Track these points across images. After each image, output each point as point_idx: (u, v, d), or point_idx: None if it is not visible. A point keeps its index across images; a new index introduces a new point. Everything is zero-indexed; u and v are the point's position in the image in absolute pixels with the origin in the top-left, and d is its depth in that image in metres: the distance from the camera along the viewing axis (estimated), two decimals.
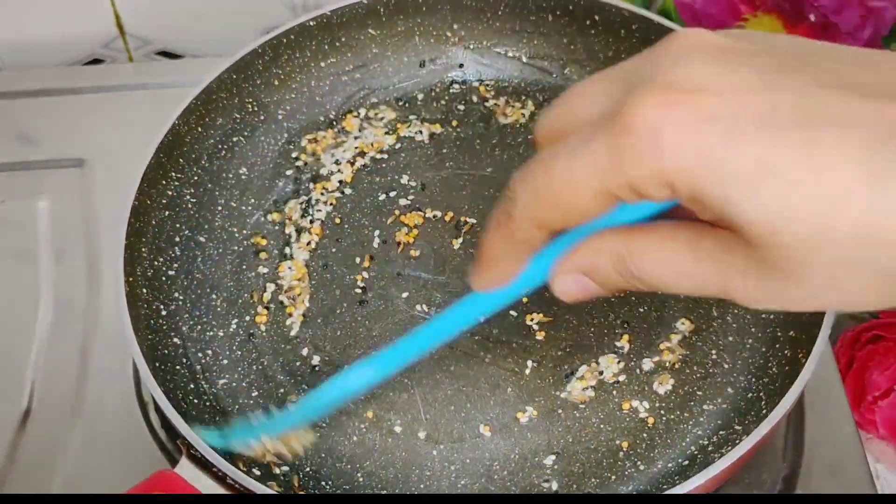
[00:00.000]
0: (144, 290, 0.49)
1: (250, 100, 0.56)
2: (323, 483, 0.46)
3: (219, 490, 0.42)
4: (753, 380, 0.48)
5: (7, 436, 0.51)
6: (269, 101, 0.57)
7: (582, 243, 0.31)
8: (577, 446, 0.47)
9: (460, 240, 0.53)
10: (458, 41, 0.60)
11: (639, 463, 0.46)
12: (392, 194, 0.55)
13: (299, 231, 0.54)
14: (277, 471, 0.46)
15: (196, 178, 0.54)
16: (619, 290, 0.32)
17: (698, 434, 0.47)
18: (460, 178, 0.56)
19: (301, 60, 0.57)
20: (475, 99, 0.60)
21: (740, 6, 0.60)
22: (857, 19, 0.57)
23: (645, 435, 0.47)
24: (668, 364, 0.49)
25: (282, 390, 0.49)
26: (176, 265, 0.51)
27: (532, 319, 0.50)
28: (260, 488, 0.41)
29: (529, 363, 0.49)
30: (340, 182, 0.56)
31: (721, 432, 0.46)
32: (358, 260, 0.53)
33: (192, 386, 0.48)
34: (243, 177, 0.56)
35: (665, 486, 0.45)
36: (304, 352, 0.50)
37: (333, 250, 0.53)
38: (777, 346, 0.48)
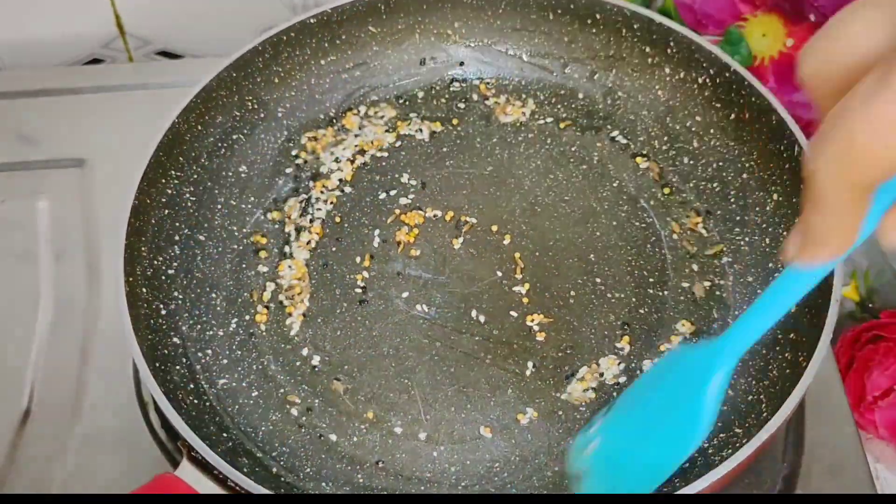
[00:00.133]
0: (144, 290, 0.48)
1: (250, 98, 0.56)
2: (323, 483, 0.46)
3: (220, 492, 0.42)
4: (754, 382, 0.47)
5: (7, 436, 0.50)
6: (269, 98, 0.57)
7: None
8: None
9: (461, 239, 0.53)
10: (459, 39, 0.60)
11: None
12: (392, 193, 0.55)
13: (299, 230, 0.54)
14: (275, 470, 0.46)
15: (196, 176, 0.54)
16: None
17: None
18: (461, 177, 0.56)
19: (301, 58, 0.57)
20: (476, 97, 0.59)
21: (740, 6, 0.60)
22: None
23: None
24: None
25: (282, 390, 0.48)
26: (176, 264, 0.51)
27: (532, 320, 0.50)
28: (259, 489, 0.41)
29: (530, 364, 0.49)
30: (340, 180, 0.56)
31: (721, 435, 0.46)
32: (358, 259, 0.53)
33: (191, 386, 0.48)
34: (243, 175, 0.56)
35: (665, 490, 0.45)
36: (304, 351, 0.50)
37: (333, 249, 0.53)
38: (778, 348, 0.48)
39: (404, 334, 0.50)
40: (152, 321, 0.48)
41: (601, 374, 0.48)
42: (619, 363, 0.49)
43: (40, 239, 0.58)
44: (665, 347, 0.49)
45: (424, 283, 0.52)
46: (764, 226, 0.51)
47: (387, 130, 0.58)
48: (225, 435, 0.46)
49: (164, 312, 0.49)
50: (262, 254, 0.53)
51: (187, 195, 0.53)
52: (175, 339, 0.49)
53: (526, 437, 0.47)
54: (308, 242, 0.53)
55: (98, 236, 0.58)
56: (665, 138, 0.56)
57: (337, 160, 0.57)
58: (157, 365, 0.46)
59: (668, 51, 0.55)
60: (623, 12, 0.55)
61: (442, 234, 0.53)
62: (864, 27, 0.26)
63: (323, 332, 0.50)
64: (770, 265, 0.50)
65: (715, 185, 0.54)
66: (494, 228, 0.53)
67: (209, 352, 0.50)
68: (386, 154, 0.57)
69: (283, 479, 0.46)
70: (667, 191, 0.54)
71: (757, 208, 0.52)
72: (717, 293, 0.51)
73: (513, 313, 0.50)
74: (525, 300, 0.51)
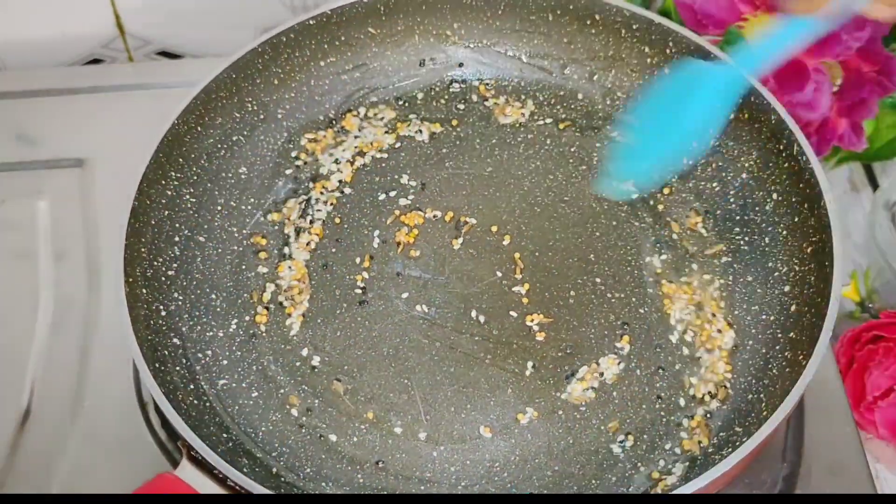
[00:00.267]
0: (144, 291, 0.48)
1: (250, 99, 0.56)
2: (323, 483, 0.46)
3: (219, 492, 0.42)
4: (754, 381, 0.48)
5: (7, 436, 0.50)
6: (269, 100, 0.57)
7: None
8: (577, 447, 0.46)
9: (460, 240, 0.53)
10: (459, 40, 0.60)
11: (639, 465, 0.46)
12: (392, 194, 0.55)
13: (299, 231, 0.54)
14: (275, 470, 0.46)
15: (195, 177, 0.54)
16: None
17: (699, 436, 0.46)
18: (460, 178, 0.56)
19: (301, 59, 0.57)
20: (475, 98, 0.59)
21: (740, 6, 0.59)
22: (856, 18, 0.57)
23: (645, 436, 0.47)
24: (668, 367, 0.49)
25: (282, 391, 0.48)
26: (175, 265, 0.51)
27: (532, 320, 0.50)
28: (259, 489, 0.41)
29: (530, 364, 0.49)
30: (340, 181, 0.56)
31: (722, 434, 0.46)
32: (358, 260, 0.53)
33: (191, 386, 0.48)
34: (243, 176, 0.56)
35: (666, 489, 0.45)
36: (304, 352, 0.50)
37: (333, 250, 0.53)
38: (777, 347, 0.48)
39: (404, 335, 0.50)
40: (152, 322, 0.48)
41: (601, 374, 0.48)
42: (619, 363, 0.49)
43: (40, 239, 0.58)
44: (665, 347, 0.49)
45: (424, 284, 0.52)
46: (763, 225, 0.52)
47: (386, 132, 0.58)
48: (225, 435, 0.47)
49: (163, 313, 0.49)
50: (262, 255, 0.53)
51: (187, 196, 0.53)
52: (175, 340, 0.49)
53: (526, 437, 0.47)
54: (308, 243, 0.53)
55: (98, 236, 0.58)
56: None
57: (336, 161, 0.57)
58: (157, 365, 0.46)
59: (668, 51, 0.55)
60: (622, 13, 0.55)
61: (442, 235, 0.53)
62: None
63: (323, 332, 0.50)
64: (770, 264, 0.50)
65: (715, 184, 0.54)
66: (494, 229, 0.53)
67: (209, 352, 0.50)
68: (385, 155, 0.57)
69: (283, 478, 0.46)
70: (666, 191, 0.54)
71: (756, 208, 0.52)
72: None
73: (512, 313, 0.50)
74: (525, 300, 0.51)
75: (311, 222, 0.54)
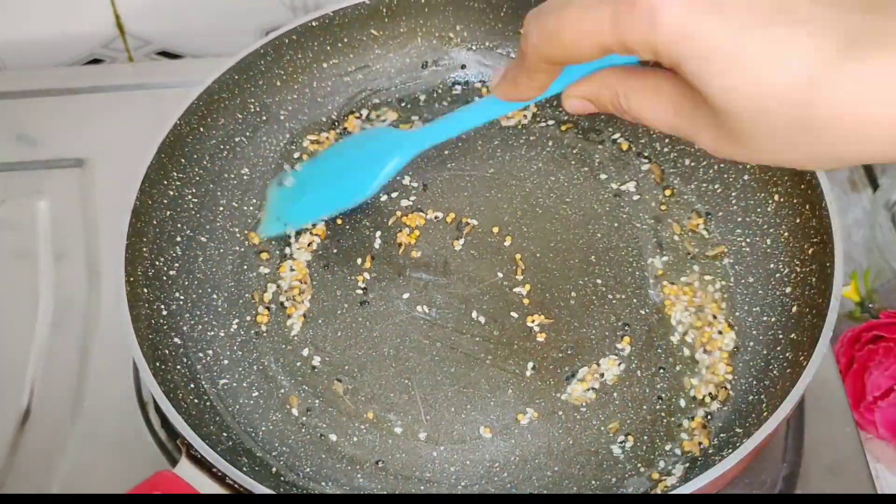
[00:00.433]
0: (145, 290, 0.50)
1: (252, 100, 0.58)
2: (323, 483, 0.48)
3: (218, 490, 0.43)
4: (754, 382, 0.49)
5: (7, 436, 0.52)
6: (271, 101, 0.59)
7: (590, 77, 0.39)
8: (577, 448, 0.48)
9: (461, 241, 0.55)
10: (461, 42, 0.62)
11: (639, 465, 0.48)
12: (394, 195, 0.57)
13: (300, 231, 0.55)
14: (275, 469, 0.47)
15: (198, 178, 0.55)
16: (611, 112, 0.39)
17: (699, 437, 0.48)
18: (462, 179, 0.57)
19: (303, 61, 0.59)
20: (477, 100, 0.61)
21: None
22: None
23: (646, 437, 0.48)
24: (668, 368, 0.50)
25: (282, 391, 0.50)
26: (177, 265, 0.53)
27: (533, 321, 0.52)
28: (258, 488, 0.42)
29: (530, 365, 0.50)
30: None
31: (722, 435, 0.48)
32: (359, 261, 0.54)
33: (192, 386, 0.49)
34: (245, 177, 0.57)
35: (665, 490, 0.46)
36: (305, 352, 0.51)
37: (335, 251, 0.55)
38: (778, 348, 0.49)
39: (405, 335, 0.52)
40: (153, 321, 0.50)
41: (602, 375, 0.50)
42: (620, 364, 0.50)
43: (40, 239, 0.60)
44: (665, 348, 0.51)
45: (425, 285, 0.53)
46: (765, 227, 0.53)
47: None
48: (225, 434, 0.48)
49: (164, 313, 0.51)
50: (264, 255, 0.55)
51: (189, 196, 0.55)
52: (176, 340, 0.51)
53: (526, 438, 0.49)
54: (309, 244, 0.55)
55: (98, 236, 0.60)
56: (666, 140, 0.58)
57: None
58: (158, 364, 0.48)
59: None
60: None
61: (443, 236, 0.55)
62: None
63: (324, 332, 0.52)
64: (771, 266, 0.52)
65: (716, 186, 0.55)
66: (495, 230, 0.55)
67: (210, 352, 0.51)
68: None
69: (283, 478, 0.48)
70: (668, 192, 0.56)
71: (758, 209, 0.54)
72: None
73: (513, 314, 0.52)
74: (526, 301, 0.52)
75: (313, 223, 0.56)
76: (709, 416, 0.49)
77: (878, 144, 0.31)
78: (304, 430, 0.49)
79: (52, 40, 0.71)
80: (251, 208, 0.57)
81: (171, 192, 0.54)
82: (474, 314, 0.52)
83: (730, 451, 0.43)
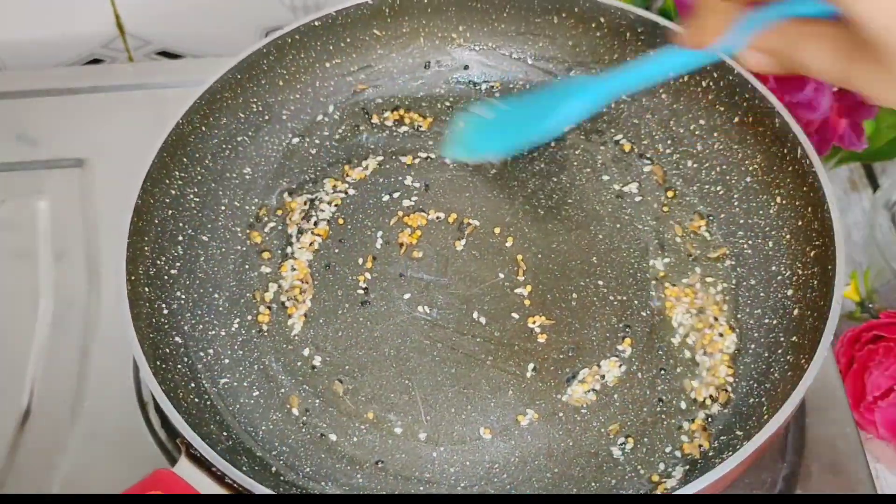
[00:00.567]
0: (146, 289, 0.52)
1: (255, 99, 0.60)
2: (322, 483, 0.49)
3: (217, 489, 0.45)
4: (755, 385, 0.51)
5: (7, 436, 0.54)
6: (274, 100, 0.61)
7: (769, 29, 0.43)
8: (577, 450, 0.50)
9: (463, 241, 0.57)
10: (464, 43, 0.64)
11: (639, 467, 0.49)
12: (395, 195, 0.59)
13: (302, 231, 0.57)
14: (275, 469, 0.49)
15: (200, 177, 0.58)
16: (789, 71, 0.44)
17: (700, 439, 0.50)
18: (464, 180, 0.60)
19: (306, 61, 0.61)
20: (480, 100, 0.63)
21: None
22: None
23: (646, 439, 0.50)
24: (669, 369, 0.52)
25: (283, 390, 0.52)
26: (178, 264, 0.55)
27: (534, 322, 0.53)
28: (257, 487, 0.44)
29: (531, 366, 0.52)
30: (344, 182, 0.60)
31: (722, 437, 0.50)
32: (360, 261, 0.56)
33: (192, 385, 0.51)
34: (247, 176, 0.59)
35: (665, 492, 0.48)
36: (306, 352, 0.53)
37: (336, 251, 0.57)
38: (779, 351, 0.51)
39: (406, 335, 0.53)
40: (154, 320, 0.52)
41: (602, 377, 0.52)
42: (621, 365, 0.52)
43: (40, 239, 0.62)
44: (666, 350, 0.52)
45: (426, 285, 0.55)
46: (767, 229, 0.55)
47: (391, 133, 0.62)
48: (225, 434, 0.50)
49: (165, 312, 0.53)
50: (265, 255, 0.57)
51: (191, 196, 0.57)
52: (177, 339, 0.53)
53: (526, 439, 0.50)
54: (311, 244, 0.57)
55: (98, 236, 0.62)
56: (669, 142, 0.60)
57: None
58: (158, 363, 0.50)
59: None
60: (627, 16, 0.59)
61: (444, 236, 0.57)
62: None
63: (324, 332, 0.54)
64: (773, 268, 0.54)
65: (718, 188, 0.57)
66: (497, 231, 0.57)
67: (211, 351, 0.53)
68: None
69: (282, 477, 0.49)
70: (670, 194, 0.58)
71: (760, 212, 0.55)
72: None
73: (514, 315, 0.54)
74: (527, 302, 0.54)
75: (315, 223, 0.58)
76: (709, 419, 0.50)
77: None
78: (304, 430, 0.51)
79: (52, 40, 0.74)
80: (253, 208, 0.59)
81: (173, 191, 0.56)
82: (475, 315, 0.54)
83: (730, 453, 0.44)
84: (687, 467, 0.49)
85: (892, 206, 0.63)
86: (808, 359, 0.47)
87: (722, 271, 0.55)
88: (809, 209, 0.53)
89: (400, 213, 0.58)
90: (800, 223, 0.53)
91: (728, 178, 0.57)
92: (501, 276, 0.55)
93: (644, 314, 0.54)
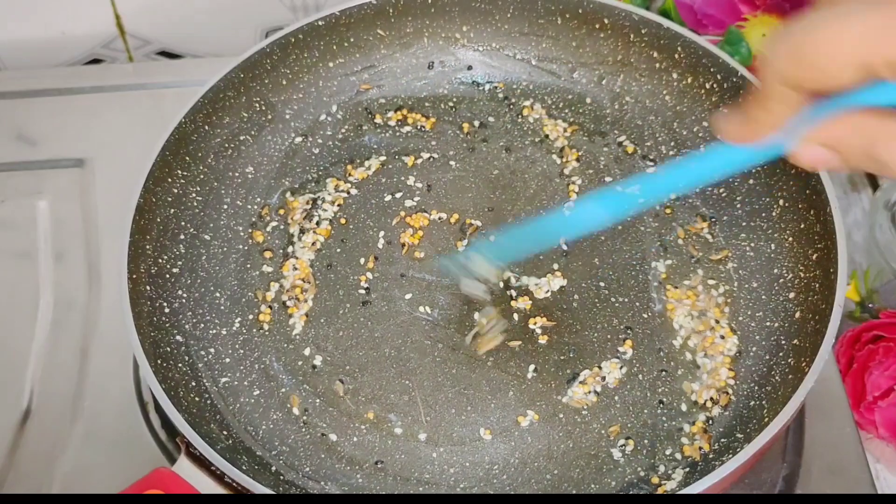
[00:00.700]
0: (148, 287, 0.54)
1: (258, 99, 0.62)
2: (322, 482, 0.51)
3: (216, 488, 0.47)
4: (756, 388, 0.53)
5: (7, 436, 0.56)
6: (277, 100, 0.63)
7: (836, 119, 0.36)
8: (577, 451, 0.52)
9: (465, 241, 0.59)
10: (467, 43, 0.66)
11: (639, 469, 0.51)
12: (398, 195, 0.61)
13: (304, 231, 0.60)
14: (275, 468, 0.51)
15: (202, 176, 0.60)
16: (857, 169, 0.37)
17: (700, 441, 0.52)
18: (466, 181, 0.62)
19: (309, 60, 0.64)
20: (483, 101, 0.65)
21: (740, 6, 0.65)
22: None
23: (646, 441, 0.52)
24: (671, 371, 0.54)
25: (283, 389, 0.54)
26: (180, 263, 0.57)
27: (535, 323, 0.56)
28: (257, 487, 0.46)
29: (531, 367, 0.54)
30: (346, 182, 0.62)
31: (722, 440, 0.52)
32: (362, 261, 0.58)
33: (193, 384, 0.53)
34: (249, 176, 0.62)
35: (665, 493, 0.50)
36: (307, 351, 0.55)
37: (338, 251, 0.59)
38: (781, 354, 0.53)
39: (406, 336, 0.56)
40: (155, 318, 0.54)
41: (603, 378, 0.54)
42: (621, 367, 0.54)
43: (40, 239, 0.64)
44: (668, 352, 0.54)
45: (428, 286, 0.57)
46: (769, 232, 0.57)
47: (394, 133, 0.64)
48: (225, 433, 0.52)
49: (167, 310, 0.55)
50: (267, 254, 0.59)
51: (193, 195, 0.59)
52: (178, 337, 0.55)
53: (526, 440, 0.52)
54: (313, 243, 0.59)
55: (98, 236, 0.64)
56: (672, 143, 0.62)
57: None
58: (159, 362, 0.52)
59: (676, 56, 0.61)
60: (631, 17, 0.61)
61: (446, 237, 0.59)
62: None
63: (325, 332, 0.56)
64: (775, 271, 0.56)
65: (721, 190, 0.59)
66: (499, 231, 0.59)
67: (212, 350, 0.55)
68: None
69: (282, 477, 0.51)
70: (672, 196, 0.60)
71: (762, 214, 0.57)
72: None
73: (515, 316, 0.56)
74: (528, 306, 0.56)
75: (317, 222, 0.60)
76: (710, 421, 0.52)
77: None
78: (304, 430, 0.53)
79: (52, 40, 0.76)
80: (255, 207, 0.61)
81: (176, 190, 0.58)
82: (476, 315, 0.56)
83: (730, 456, 0.46)
84: (687, 469, 0.51)
85: (892, 206, 0.65)
86: (809, 362, 0.48)
87: (724, 274, 0.57)
88: (812, 212, 0.55)
89: (402, 214, 0.60)
90: (802, 226, 0.55)
91: (731, 180, 0.59)
92: (503, 276, 0.57)
93: (645, 316, 0.56)
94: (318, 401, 0.54)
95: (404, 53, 0.66)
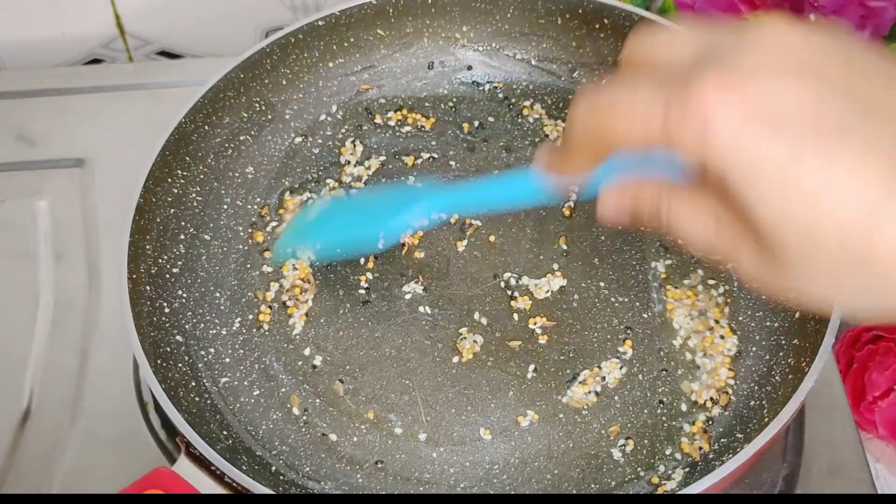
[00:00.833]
0: (148, 287, 0.55)
1: (258, 99, 0.63)
2: (322, 482, 0.52)
3: (216, 488, 0.47)
4: (756, 388, 0.53)
5: (7, 436, 0.56)
6: (277, 100, 0.64)
7: (630, 184, 0.39)
8: (577, 451, 0.52)
9: (465, 242, 0.59)
10: (467, 43, 0.67)
11: (639, 469, 0.51)
12: None
13: None
14: (275, 468, 0.52)
15: (202, 176, 0.60)
16: (649, 227, 0.39)
17: (700, 441, 0.52)
18: (466, 181, 0.62)
19: (309, 60, 0.64)
20: (483, 101, 0.66)
21: (740, 6, 0.65)
22: (857, 19, 0.63)
23: (646, 441, 0.52)
24: (670, 371, 0.54)
25: (283, 389, 0.54)
26: (180, 263, 0.58)
27: (535, 323, 0.56)
28: (257, 487, 0.46)
29: (531, 367, 0.55)
30: (346, 182, 0.62)
31: (722, 440, 0.52)
32: (362, 261, 0.59)
33: (193, 384, 0.54)
34: (249, 176, 0.62)
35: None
36: (307, 351, 0.56)
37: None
38: (781, 354, 0.53)
39: (406, 335, 0.56)
40: (155, 318, 0.55)
41: (603, 378, 0.54)
42: (621, 367, 0.54)
43: (40, 239, 0.65)
44: (667, 352, 0.55)
45: (428, 285, 0.57)
46: None
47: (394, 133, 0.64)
48: (225, 433, 0.52)
49: (167, 310, 0.55)
50: (267, 254, 0.59)
51: (193, 195, 0.60)
52: (178, 337, 0.55)
53: (526, 440, 0.52)
54: None
55: (98, 236, 0.65)
56: None
57: (345, 163, 0.63)
58: (159, 362, 0.52)
59: None
60: (631, 17, 0.62)
61: (446, 237, 0.60)
62: (679, 43, 0.36)
63: (325, 332, 0.56)
64: None
65: None
66: (499, 231, 0.59)
67: (212, 350, 0.56)
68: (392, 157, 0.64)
69: (282, 477, 0.51)
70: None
71: None
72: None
73: (515, 316, 0.56)
74: (528, 306, 0.57)
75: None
76: (710, 421, 0.53)
77: None
78: (304, 430, 0.53)
79: (52, 40, 0.76)
80: (255, 207, 0.61)
81: (176, 190, 0.58)
82: (476, 315, 0.56)
83: (730, 456, 0.47)
84: (687, 469, 0.51)
85: None
86: (809, 362, 0.49)
87: (724, 274, 0.57)
88: None
89: None
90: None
91: None
92: (503, 276, 0.58)
93: (645, 316, 0.56)
94: (318, 401, 0.54)
95: (404, 53, 0.66)
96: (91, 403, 0.58)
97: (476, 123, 0.65)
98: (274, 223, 0.61)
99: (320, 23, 0.63)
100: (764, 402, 0.52)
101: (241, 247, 0.60)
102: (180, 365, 0.54)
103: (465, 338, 0.55)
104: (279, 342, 0.56)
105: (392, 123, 0.65)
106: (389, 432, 0.53)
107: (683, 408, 0.53)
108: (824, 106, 0.31)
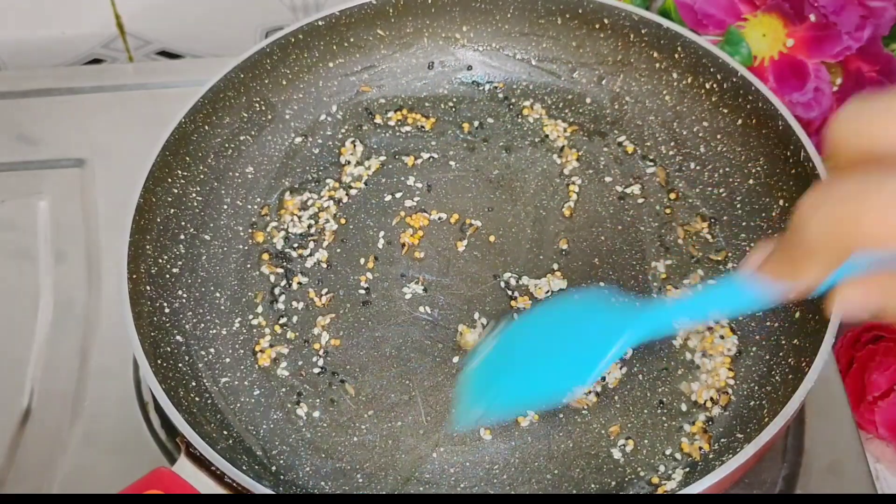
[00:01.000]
0: (148, 288, 0.55)
1: (258, 99, 0.63)
2: (323, 483, 0.52)
3: (216, 488, 0.47)
4: (756, 388, 0.53)
5: (7, 436, 0.57)
6: (277, 100, 0.64)
7: (880, 275, 0.35)
8: (577, 451, 0.52)
9: (465, 242, 0.59)
10: (467, 43, 0.67)
11: (639, 469, 0.52)
12: (398, 195, 0.62)
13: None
14: (275, 468, 0.52)
15: (202, 176, 0.60)
16: (890, 319, 0.36)
17: (700, 441, 0.52)
18: (466, 181, 0.62)
19: (309, 60, 0.64)
20: (483, 101, 0.66)
21: (740, 6, 0.66)
22: (857, 19, 0.63)
23: (646, 441, 0.52)
24: (671, 371, 0.54)
25: (283, 389, 0.54)
26: (180, 263, 0.58)
27: None
28: (257, 487, 0.46)
29: None
30: (346, 182, 0.62)
31: (722, 440, 0.52)
32: (362, 261, 0.59)
33: (193, 384, 0.54)
34: (249, 176, 0.62)
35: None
36: (307, 351, 0.56)
37: (338, 251, 0.59)
38: (781, 354, 0.54)
39: (407, 335, 0.56)
40: (155, 318, 0.55)
41: (603, 378, 0.54)
42: (621, 367, 0.54)
43: (40, 239, 0.65)
44: (667, 352, 0.55)
45: (428, 286, 0.58)
46: (769, 231, 0.57)
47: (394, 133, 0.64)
48: (225, 433, 0.52)
49: (167, 310, 0.55)
50: (266, 256, 0.59)
51: (193, 195, 0.60)
52: (178, 337, 0.55)
53: (526, 440, 0.53)
54: None
55: (98, 236, 0.65)
56: (672, 143, 0.62)
57: (345, 163, 0.63)
58: (159, 362, 0.52)
59: (676, 56, 0.61)
60: (631, 17, 0.62)
61: (446, 237, 0.60)
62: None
63: (325, 332, 0.56)
64: None
65: (721, 190, 0.60)
66: (499, 232, 0.59)
67: (212, 350, 0.56)
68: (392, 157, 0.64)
69: (282, 477, 0.52)
70: (673, 196, 0.60)
71: (762, 214, 0.58)
72: None
73: (515, 316, 0.56)
74: (528, 303, 0.57)
75: (318, 222, 0.60)
76: (710, 421, 0.53)
77: None
78: (304, 430, 0.53)
79: (52, 40, 0.76)
80: (255, 207, 0.61)
81: (176, 190, 0.59)
82: (476, 315, 0.56)
83: (730, 456, 0.47)
84: (687, 469, 0.51)
85: None
86: (809, 362, 0.49)
87: (724, 273, 0.57)
88: None
89: (402, 214, 0.61)
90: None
91: (731, 180, 0.60)
92: (503, 276, 0.58)
93: None
94: (318, 401, 0.54)
95: (404, 53, 0.66)
96: (91, 403, 0.58)
97: (476, 123, 0.65)
98: (274, 223, 0.61)
99: (320, 23, 0.63)
100: (764, 402, 0.52)
101: (241, 247, 0.60)
102: (180, 365, 0.54)
103: (465, 337, 0.55)
104: (279, 342, 0.56)
105: (392, 123, 0.65)
106: (389, 432, 0.53)
107: (683, 408, 0.53)
108: None
